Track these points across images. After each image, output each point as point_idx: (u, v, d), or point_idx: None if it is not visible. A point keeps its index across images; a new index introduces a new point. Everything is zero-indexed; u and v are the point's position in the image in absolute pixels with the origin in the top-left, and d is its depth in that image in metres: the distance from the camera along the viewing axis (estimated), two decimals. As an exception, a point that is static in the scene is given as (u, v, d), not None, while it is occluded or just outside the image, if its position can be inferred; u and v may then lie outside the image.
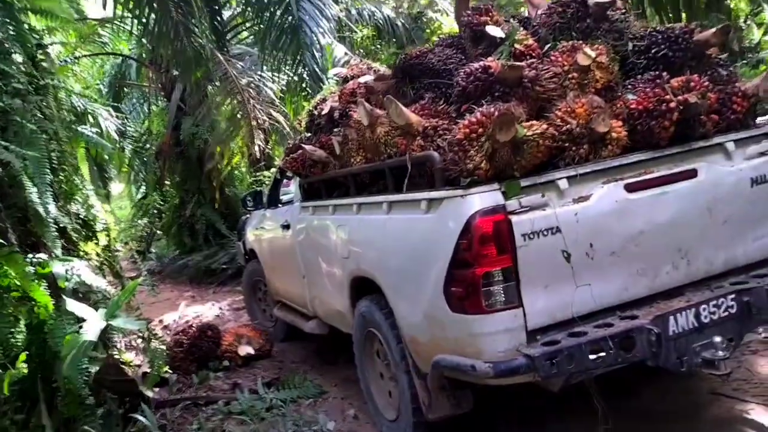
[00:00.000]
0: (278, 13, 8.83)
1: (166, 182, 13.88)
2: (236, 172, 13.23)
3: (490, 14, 3.26)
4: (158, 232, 15.72)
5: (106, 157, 15.48)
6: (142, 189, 16.76)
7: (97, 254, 4.58)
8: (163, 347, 4.67)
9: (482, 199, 2.75)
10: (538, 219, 2.76)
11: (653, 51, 3.16)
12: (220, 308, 9.15)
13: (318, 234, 4.62)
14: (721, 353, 2.85)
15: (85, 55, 13.78)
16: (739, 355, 4.26)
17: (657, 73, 3.03)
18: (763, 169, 3.17)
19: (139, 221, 16.50)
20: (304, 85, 8.59)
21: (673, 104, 2.89)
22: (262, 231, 6.25)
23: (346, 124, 3.92)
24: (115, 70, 15.94)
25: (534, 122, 2.77)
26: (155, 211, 15.36)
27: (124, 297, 3.77)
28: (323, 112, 4.20)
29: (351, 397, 4.62)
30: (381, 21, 14.02)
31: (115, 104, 15.64)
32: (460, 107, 3.06)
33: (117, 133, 14.33)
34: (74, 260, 3.80)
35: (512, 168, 2.77)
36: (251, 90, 9.37)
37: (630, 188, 2.92)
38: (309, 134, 4.63)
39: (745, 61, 9.79)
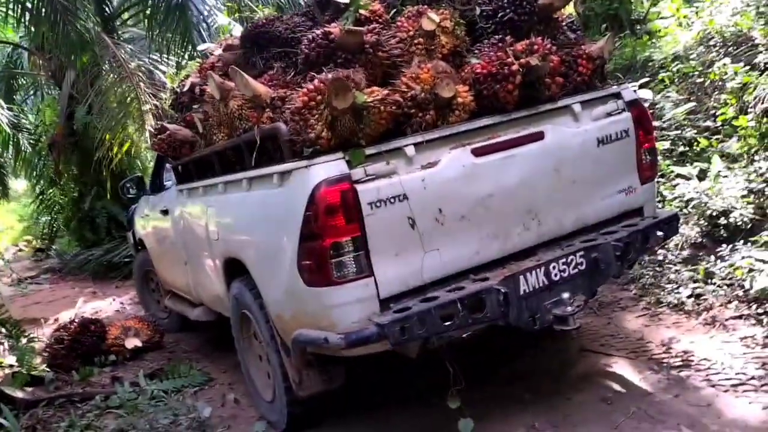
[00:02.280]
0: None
1: (64, 175, 13.17)
2: (137, 159, 12.70)
3: (336, -20, 3.20)
4: (61, 228, 15.00)
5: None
6: (41, 184, 15.91)
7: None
8: (34, 345, 4.40)
9: (326, 168, 2.70)
10: (384, 187, 2.73)
11: (500, 15, 3.18)
12: (121, 303, 8.83)
13: (192, 218, 4.46)
14: (570, 309, 2.94)
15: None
16: (609, 312, 4.44)
17: (500, 37, 3.05)
18: (608, 129, 3.27)
19: (41, 218, 15.70)
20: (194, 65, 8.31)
21: (515, 67, 2.92)
22: (147, 219, 6.01)
23: (205, 100, 3.77)
24: (5, 59, 14.98)
25: (375, 88, 2.73)
26: (56, 207, 14.63)
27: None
28: (185, 89, 4.03)
29: (237, 383, 4.52)
30: (282, 3, 13.74)
31: (9, 95, 14.76)
32: (306, 76, 2.99)
33: (10, 126, 13.52)
34: None
35: (357, 136, 2.73)
36: (141, 74, 8.96)
37: (477, 153, 2.94)
38: (175, 113, 4.45)
39: (634, 34, 10.15)
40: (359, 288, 2.73)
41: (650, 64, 6.98)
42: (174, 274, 5.44)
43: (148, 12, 8.87)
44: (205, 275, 4.47)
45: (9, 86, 15.35)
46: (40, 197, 15.47)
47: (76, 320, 5.52)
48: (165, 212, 5.10)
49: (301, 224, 2.76)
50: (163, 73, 9.49)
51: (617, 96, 3.35)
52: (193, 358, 5.40)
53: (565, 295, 2.94)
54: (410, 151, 2.82)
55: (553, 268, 2.99)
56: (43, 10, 8.71)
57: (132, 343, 5.49)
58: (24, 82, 15.81)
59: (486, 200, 2.94)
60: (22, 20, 9.04)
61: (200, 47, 4.71)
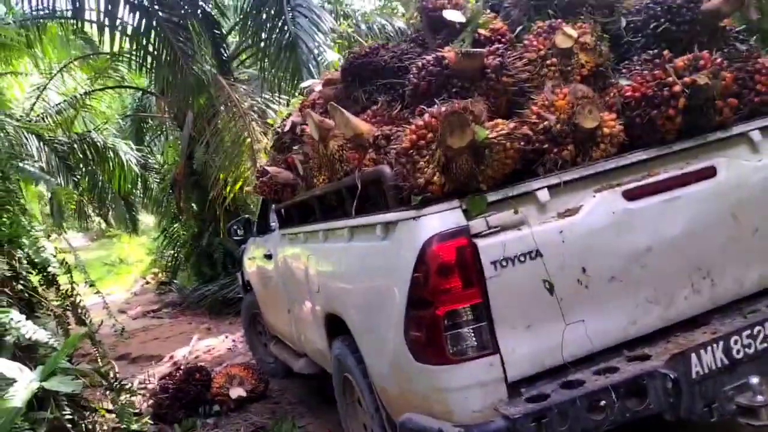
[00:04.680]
0: (276, 30, 8.53)
1: (185, 212, 13.67)
2: (250, 198, 12.92)
3: (450, -4, 2.74)
4: (183, 262, 15.57)
5: (130, 188, 15.46)
6: (165, 220, 16.70)
7: (58, 300, 4.17)
8: (134, 399, 4.21)
9: (438, 220, 2.21)
10: (512, 241, 2.20)
11: (652, 26, 2.58)
12: (233, 341, 8.76)
13: (294, 264, 4.13)
14: (760, 398, 2.23)
15: (97, 89, 13.78)
16: None
17: (656, 51, 2.44)
18: (800, 162, 2.55)
19: (166, 252, 16.40)
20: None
21: (677, 88, 2.30)
22: (254, 261, 5.80)
23: (305, 140, 3.43)
24: (135, 104, 16.00)
25: (499, 121, 2.22)
26: (179, 241, 15.22)
27: (64, 353, 3.31)
28: (287, 129, 3.72)
29: (342, 447, 4.07)
30: (392, 34, 13.62)
31: (138, 137, 15.71)
32: (415, 110, 2.54)
33: (138, 166, 14.31)
34: (11, 311, 3.38)
35: (476, 180, 2.23)
36: (253, 113, 9.01)
37: (630, 195, 2.34)
38: (277, 155, 4.16)
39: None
40: (481, 368, 2.20)
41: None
42: (278, 320, 5.14)
43: (260, 52, 8.90)
44: (308, 327, 4.10)
45: (138, 128, 16.37)
46: (165, 232, 16.21)
47: (182, 368, 5.34)
48: (269, 256, 4.82)
49: (409, 287, 2.28)
50: (275, 112, 9.52)
51: (809, 118, 2.62)
52: (297, 411, 5.05)
53: (755, 380, 2.24)
54: (543, 195, 2.27)
55: (735, 342, 2.29)
56: (164, 55, 9.00)
57: (236, 392, 5.22)
58: (151, 124, 16.80)
59: (643, 256, 2.32)
60: (144, 66, 9.38)
61: (302, 84, 4.41)
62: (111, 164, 13.53)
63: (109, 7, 8.75)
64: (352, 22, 12.64)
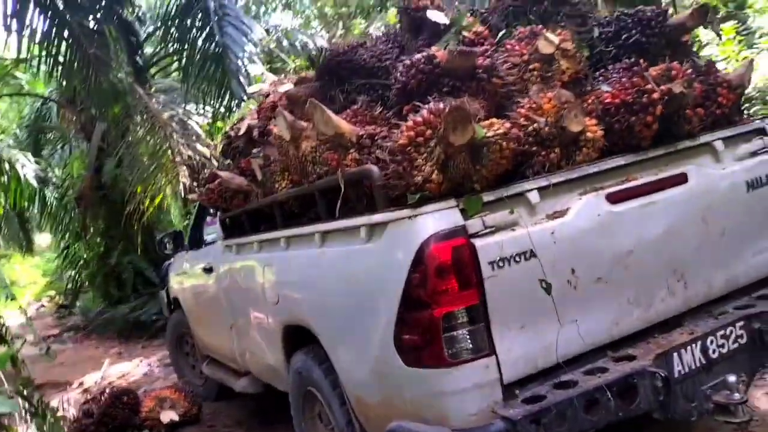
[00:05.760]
0: (200, 40, 8.25)
1: (90, 229, 12.86)
2: (168, 213, 12.36)
3: (431, -1, 2.74)
4: (86, 283, 14.62)
5: (26, 205, 14.39)
6: (66, 239, 15.63)
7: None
8: (62, 422, 3.84)
9: (436, 219, 2.16)
10: (508, 242, 2.18)
11: (623, 37, 2.69)
12: (149, 365, 8.28)
13: (243, 277, 3.93)
14: (737, 395, 2.32)
15: (-5, 96, 12.83)
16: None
17: (633, 60, 2.54)
18: (757, 171, 2.71)
19: (65, 273, 15.34)
20: (232, 115, 7.97)
21: (656, 95, 2.39)
22: (185, 276, 5.50)
23: (267, 143, 3.29)
24: (34, 113, 14.92)
25: (495, 120, 2.21)
26: (81, 262, 14.29)
27: (-8, 370, 2.97)
28: (240, 132, 3.56)
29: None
30: (314, 52, 13.58)
31: (36, 149, 14.65)
32: (401, 109, 2.49)
33: (37, 180, 13.31)
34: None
35: (471, 179, 2.21)
36: (174, 124, 8.64)
37: (613, 199, 2.39)
38: (227, 160, 3.97)
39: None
40: (478, 370, 2.15)
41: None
42: (215, 339, 4.88)
43: (184, 61, 8.56)
44: (256, 342, 3.91)
45: (36, 140, 15.25)
46: (65, 252, 15.18)
47: (107, 390, 4.95)
48: (208, 270, 4.58)
49: (403, 289, 2.21)
50: (198, 123, 9.18)
51: (762, 132, 2.80)
52: (235, 434, 4.79)
53: (732, 378, 2.33)
54: (534, 197, 2.28)
55: (711, 342, 2.39)
56: (76, 62, 8.45)
57: (168, 416, 4.89)
58: (52, 135, 15.74)
59: (625, 257, 2.38)
60: (54, 73, 8.77)
61: (251, 88, 4.26)
62: (6, 177, 12.52)
63: (17, 7, 8.15)
64: (273, 37, 12.48)
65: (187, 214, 11.56)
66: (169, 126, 8.69)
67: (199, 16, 8.20)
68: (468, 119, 2.04)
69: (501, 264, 2.17)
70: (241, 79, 7.57)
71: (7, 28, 8.37)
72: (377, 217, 2.36)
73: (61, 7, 8.38)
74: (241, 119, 3.73)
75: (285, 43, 13.05)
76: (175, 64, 11.00)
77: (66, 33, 8.22)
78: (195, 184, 9.65)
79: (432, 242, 2.13)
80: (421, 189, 2.17)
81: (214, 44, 8.00)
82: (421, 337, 2.17)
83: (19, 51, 8.39)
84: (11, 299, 3.89)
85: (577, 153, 2.40)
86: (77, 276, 14.83)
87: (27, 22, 8.15)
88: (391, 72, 2.72)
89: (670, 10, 2.81)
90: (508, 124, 2.21)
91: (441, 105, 2.15)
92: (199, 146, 8.46)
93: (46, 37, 8.24)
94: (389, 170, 2.22)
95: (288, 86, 3.32)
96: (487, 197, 2.23)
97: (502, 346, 2.18)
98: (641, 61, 2.54)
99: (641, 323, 2.44)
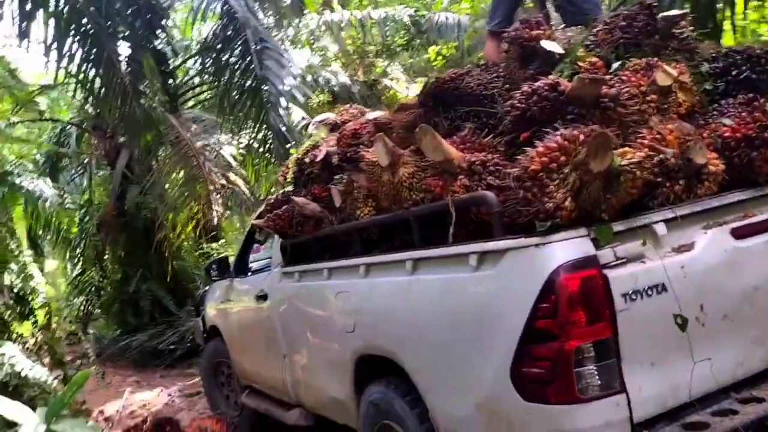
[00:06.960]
0: (238, 72, 8.30)
1: (106, 256, 12.76)
2: (184, 243, 12.27)
3: (542, 27, 2.71)
4: (97, 311, 14.42)
5: (40, 233, 14.30)
6: (80, 265, 15.46)
7: (34, 336, 3.65)
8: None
9: (568, 248, 2.09)
10: (641, 274, 2.11)
11: (734, 73, 2.66)
12: (170, 395, 8.04)
13: (307, 304, 3.84)
14: None
15: (18, 122, 12.88)
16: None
17: (752, 95, 2.50)
18: None
19: (75, 300, 15.15)
20: (268, 146, 7.96)
21: (779, 130, 2.35)
22: (229, 304, 5.38)
23: (350, 169, 3.24)
24: (55, 138, 14.95)
25: (627, 149, 2.16)
26: (93, 289, 14.12)
27: (71, 392, 2.85)
28: (317, 159, 3.51)
29: None
30: (337, 88, 13.74)
31: (54, 175, 14.63)
32: (516, 137, 2.44)
33: (54, 206, 13.26)
34: (6, 344, 2.90)
35: (599, 209, 2.14)
36: (206, 153, 8.64)
37: (737, 234, 2.33)
38: (293, 188, 3.91)
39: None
40: (609, 408, 2.05)
41: None
42: (263, 368, 4.74)
43: (219, 90, 8.61)
44: (317, 372, 3.79)
45: (54, 165, 15.22)
46: (78, 278, 15.05)
47: (149, 419, 4.80)
48: (262, 297, 4.48)
49: (527, 319, 2.12)
50: (230, 154, 9.18)
51: None
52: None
53: None
54: (661, 229, 2.21)
55: (840, 387, 2.29)
56: (111, 91, 8.49)
57: (209, 448, 4.74)
58: (69, 161, 15.72)
59: (751, 294, 2.30)
60: (89, 101, 8.82)
61: (316, 118, 4.22)
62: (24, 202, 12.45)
63: (58, 36, 8.21)
64: (298, 74, 12.62)
65: (200, 247, 11.49)
66: (202, 155, 8.70)
67: (239, 48, 8.27)
68: (609, 146, 1.99)
69: (634, 297, 2.08)
70: (280, 111, 7.57)
71: (47, 55, 8.45)
72: (493, 245, 2.29)
73: (98, 36, 8.47)
74: (315, 146, 3.67)
75: (309, 78, 13.21)
76: (205, 94, 11.11)
77: (102, 61, 8.28)
78: (228, 212, 9.62)
79: (563, 272, 2.06)
80: (552, 216, 2.10)
81: (252, 76, 8.04)
82: (548, 371, 2.08)
83: (56, 78, 8.41)
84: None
85: (699, 186, 2.34)
86: (87, 303, 14.68)
87: (65, 50, 8.24)
88: (497, 100, 2.68)
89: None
90: (641, 153, 2.15)
91: (576, 132, 2.09)
92: (232, 175, 8.44)
93: (82, 64, 8.30)
94: (517, 196, 2.15)
95: (377, 113, 3.28)
96: (617, 227, 2.16)
97: (633, 383, 2.08)
98: (758, 96, 2.50)
99: (763, 364, 2.34)
